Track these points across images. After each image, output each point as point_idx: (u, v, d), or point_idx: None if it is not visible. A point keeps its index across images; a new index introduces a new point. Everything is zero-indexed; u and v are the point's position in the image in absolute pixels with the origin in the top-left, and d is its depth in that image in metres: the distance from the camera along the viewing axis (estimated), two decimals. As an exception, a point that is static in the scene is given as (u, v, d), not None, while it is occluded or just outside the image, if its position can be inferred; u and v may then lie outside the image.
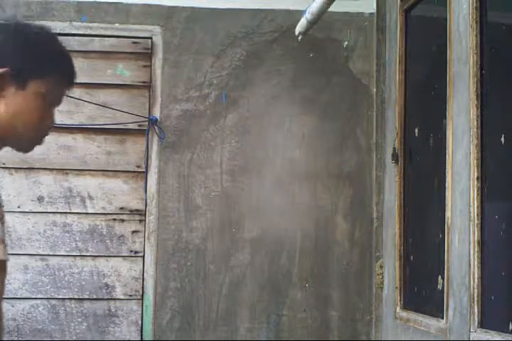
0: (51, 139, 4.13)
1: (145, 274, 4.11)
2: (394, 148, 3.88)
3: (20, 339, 4.00)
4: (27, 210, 4.08)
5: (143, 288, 4.10)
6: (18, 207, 4.07)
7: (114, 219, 4.09)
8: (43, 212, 4.09)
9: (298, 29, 3.85)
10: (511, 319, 2.55)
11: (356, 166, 4.23)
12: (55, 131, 4.12)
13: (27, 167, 4.10)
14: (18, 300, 4.02)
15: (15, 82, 1.59)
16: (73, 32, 4.18)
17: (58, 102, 1.69)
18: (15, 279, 4.01)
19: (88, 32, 4.19)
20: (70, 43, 4.17)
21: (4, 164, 4.09)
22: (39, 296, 4.02)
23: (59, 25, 4.18)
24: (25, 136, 1.64)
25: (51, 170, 4.11)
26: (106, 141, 4.14)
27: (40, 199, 4.09)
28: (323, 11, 3.57)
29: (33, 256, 4.05)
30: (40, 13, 4.18)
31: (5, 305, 4.02)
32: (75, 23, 4.20)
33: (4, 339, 3.95)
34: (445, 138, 3.14)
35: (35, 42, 1.65)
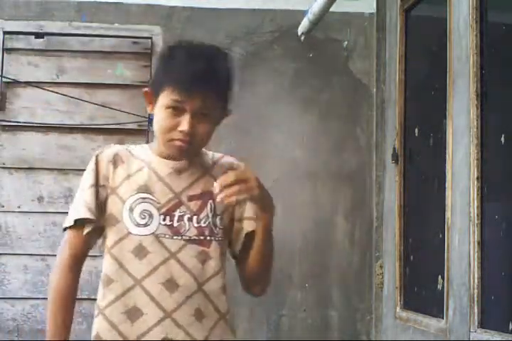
0: (51, 139, 4.13)
1: (145, 274, 4.10)
2: (394, 148, 3.88)
3: (20, 339, 4.00)
4: (27, 210, 4.07)
5: (143, 288, 4.09)
6: (18, 207, 4.07)
7: (114, 219, 4.09)
8: (43, 212, 4.08)
9: (300, 29, 3.86)
10: (511, 319, 2.55)
11: (356, 166, 4.23)
12: (54, 131, 4.15)
13: (27, 167, 4.09)
14: (18, 300, 4.01)
15: (154, 99, 1.82)
16: (73, 32, 4.17)
17: (189, 110, 1.77)
18: (15, 279, 4.00)
19: (88, 32, 4.18)
20: (70, 43, 4.18)
21: (4, 164, 4.09)
22: (39, 296, 4.01)
23: (59, 25, 4.18)
24: (165, 144, 1.87)
25: (51, 170, 4.11)
26: (106, 141, 4.14)
27: (40, 199, 4.09)
28: (324, 11, 3.58)
29: (33, 256, 4.04)
30: (40, 13, 4.18)
31: (5, 305, 4.02)
32: (74, 23, 4.20)
33: (4, 339, 3.95)
34: (445, 138, 3.13)
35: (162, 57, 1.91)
